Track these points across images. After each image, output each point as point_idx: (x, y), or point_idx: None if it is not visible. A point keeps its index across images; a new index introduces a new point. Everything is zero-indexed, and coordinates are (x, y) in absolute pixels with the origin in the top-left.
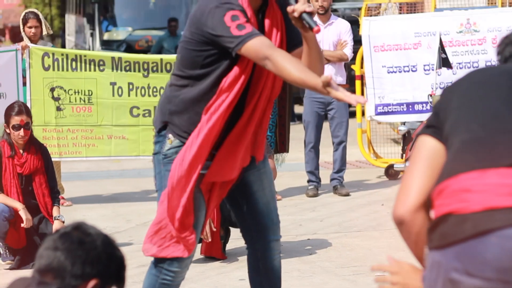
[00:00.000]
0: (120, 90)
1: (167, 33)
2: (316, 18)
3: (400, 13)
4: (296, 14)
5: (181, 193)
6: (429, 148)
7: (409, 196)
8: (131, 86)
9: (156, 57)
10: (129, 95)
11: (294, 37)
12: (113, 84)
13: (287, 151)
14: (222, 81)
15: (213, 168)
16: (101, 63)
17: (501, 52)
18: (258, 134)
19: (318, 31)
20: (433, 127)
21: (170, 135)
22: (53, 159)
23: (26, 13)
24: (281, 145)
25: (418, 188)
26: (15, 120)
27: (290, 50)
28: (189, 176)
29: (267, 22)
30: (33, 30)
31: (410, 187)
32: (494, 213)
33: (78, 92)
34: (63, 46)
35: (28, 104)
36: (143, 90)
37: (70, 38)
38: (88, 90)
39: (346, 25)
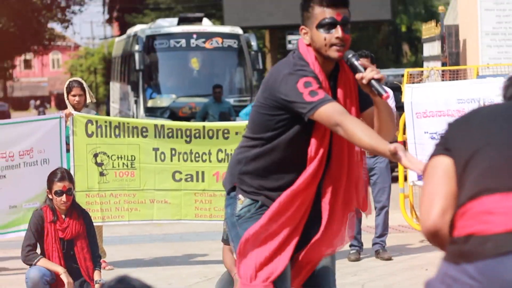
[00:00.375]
0: (162, 155)
1: (212, 100)
2: None
3: (443, 80)
4: (364, 81)
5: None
6: (445, 165)
7: (434, 206)
8: (173, 152)
9: (199, 124)
10: (171, 160)
11: (366, 98)
12: (155, 149)
13: None
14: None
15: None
16: (144, 130)
17: (505, 93)
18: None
19: (388, 97)
20: (445, 149)
21: (240, 196)
22: (95, 224)
23: (70, 81)
24: None
25: (440, 197)
26: (58, 186)
27: (362, 111)
28: (275, 238)
29: (339, 86)
30: (77, 98)
31: (432, 199)
32: None
33: (121, 157)
34: (108, 113)
35: (72, 170)
36: (185, 156)
37: (114, 105)
38: (131, 156)
39: (388, 92)
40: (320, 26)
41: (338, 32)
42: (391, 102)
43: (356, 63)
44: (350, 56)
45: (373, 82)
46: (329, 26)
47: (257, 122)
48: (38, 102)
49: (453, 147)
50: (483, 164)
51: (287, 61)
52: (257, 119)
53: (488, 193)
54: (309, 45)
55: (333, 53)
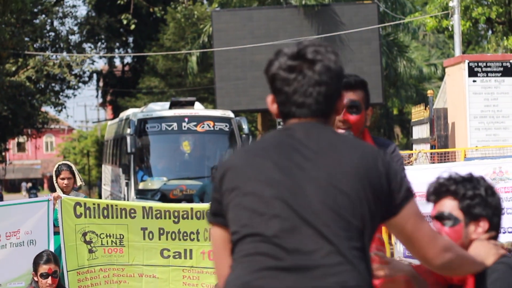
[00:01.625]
0: (151, 234)
1: (209, 180)
2: None
3: (432, 163)
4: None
5: None
6: None
7: None
8: (161, 231)
9: (187, 206)
10: (159, 239)
11: None
12: (144, 229)
13: None
14: None
15: None
16: (132, 211)
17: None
18: None
19: None
20: None
21: None
22: None
23: (59, 165)
24: None
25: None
26: (43, 268)
27: None
28: None
29: None
30: (65, 181)
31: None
32: None
33: (110, 235)
34: (100, 194)
35: (63, 252)
36: (173, 235)
37: (106, 188)
38: (120, 234)
39: None
40: None
41: (341, 115)
42: None
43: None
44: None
45: None
46: None
47: None
48: (29, 185)
49: None
50: None
51: None
52: None
53: None
54: None
55: None
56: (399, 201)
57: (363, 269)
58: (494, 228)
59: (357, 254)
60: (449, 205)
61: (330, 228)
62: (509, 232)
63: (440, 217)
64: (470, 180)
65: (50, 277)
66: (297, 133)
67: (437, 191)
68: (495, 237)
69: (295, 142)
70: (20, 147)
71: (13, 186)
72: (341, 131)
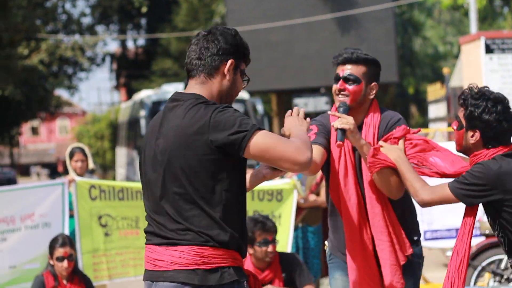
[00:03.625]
0: None
1: None
2: None
3: (449, 141)
4: (333, 127)
5: None
6: None
7: None
8: None
9: None
10: None
11: None
12: None
13: None
14: None
15: None
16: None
17: None
18: None
19: (337, 146)
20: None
21: None
22: (102, 282)
23: (72, 147)
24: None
25: None
26: (59, 252)
27: None
28: None
29: (363, 129)
30: (79, 164)
31: None
32: None
33: (125, 218)
34: (115, 178)
35: (77, 234)
36: None
37: (121, 171)
38: (135, 216)
39: None
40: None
41: (338, 84)
42: None
43: (337, 113)
44: (338, 106)
45: (338, 130)
46: (336, 80)
47: None
48: (38, 169)
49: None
50: None
51: None
52: None
53: None
54: None
55: (336, 102)
56: None
57: None
58: (490, 141)
59: None
60: (460, 113)
61: None
62: None
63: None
64: (478, 97)
65: (66, 260)
66: None
67: (458, 99)
68: (493, 145)
69: None
70: (34, 131)
71: (27, 170)
72: (337, 98)
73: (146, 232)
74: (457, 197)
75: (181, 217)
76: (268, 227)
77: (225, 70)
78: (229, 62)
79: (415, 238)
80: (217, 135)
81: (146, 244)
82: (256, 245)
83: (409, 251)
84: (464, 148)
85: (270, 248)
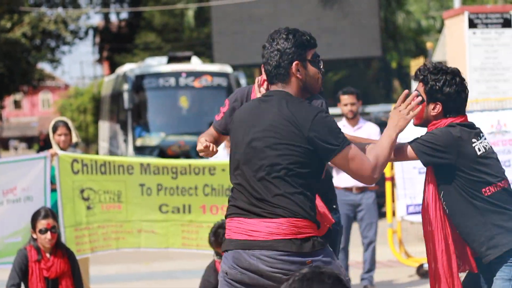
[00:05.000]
0: (149, 190)
1: None
2: (345, 122)
3: None
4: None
5: None
6: None
7: None
8: (159, 187)
9: (185, 162)
10: (158, 194)
11: None
12: (142, 185)
13: None
14: None
15: None
16: (130, 168)
17: None
18: None
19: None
20: None
21: None
22: (85, 256)
23: (56, 121)
24: None
25: None
26: (42, 224)
27: None
28: None
29: None
30: (62, 137)
31: None
32: None
33: (107, 192)
34: (97, 152)
35: (60, 208)
36: (171, 190)
37: (103, 144)
38: (117, 191)
39: (375, 128)
40: None
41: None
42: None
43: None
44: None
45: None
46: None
47: None
48: (16, 143)
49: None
50: None
51: None
52: None
53: None
54: None
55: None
56: None
57: None
58: (451, 111)
59: None
60: (420, 88)
61: None
62: None
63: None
64: (437, 72)
65: (49, 232)
66: None
67: (415, 76)
68: (452, 115)
69: None
70: (17, 104)
71: (7, 144)
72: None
73: (233, 205)
74: (416, 153)
75: (275, 193)
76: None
77: (294, 72)
78: (293, 65)
79: (334, 206)
80: (316, 136)
81: (232, 216)
82: None
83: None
84: (424, 121)
85: None
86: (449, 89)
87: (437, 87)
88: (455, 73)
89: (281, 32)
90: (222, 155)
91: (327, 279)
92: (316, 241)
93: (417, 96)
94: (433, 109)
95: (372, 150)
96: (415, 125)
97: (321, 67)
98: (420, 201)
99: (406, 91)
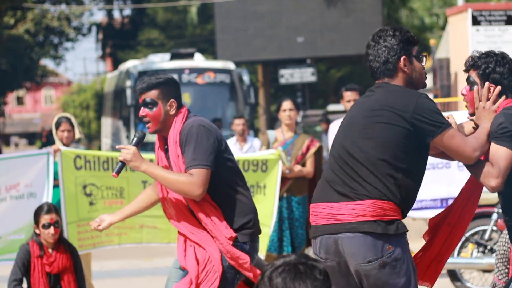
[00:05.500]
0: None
1: None
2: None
3: None
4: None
5: None
6: None
7: None
8: None
9: None
10: None
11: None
12: (144, 182)
13: None
14: None
15: None
16: None
17: None
18: None
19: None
20: None
21: None
22: (87, 251)
23: (59, 117)
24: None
25: None
26: (45, 219)
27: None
28: None
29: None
30: (65, 133)
31: None
32: None
33: (110, 188)
34: (100, 148)
35: (62, 204)
36: None
37: (106, 141)
38: (120, 187)
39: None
40: None
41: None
42: None
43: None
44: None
45: (119, 162)
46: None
47: None
48: (17, 139)
49: None
50: None
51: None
52: None
53: None
54: None
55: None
56: None
57: None
58: (506, 91)
59: None
60: (473, 74)
61: None
62: None
63: (467, 81)
64: (486, 56)
65: (52, 227)
66: None
67: (467, 67)
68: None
69: None
70: (19, 101)
71: (8, 140)
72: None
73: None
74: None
75: (365, 177)
76: None
77: (402, 67)
78: (402, 60)
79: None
80: (418, 118)
81: (319, 202)
82: None
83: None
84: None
85: None
86: (502, 69)
87: (490, 68)
88: (504, 54)
89: (388, 30)
90: (234, 150)
91: (318, 275)
92: (400, 224)
93: (489, 87)
94: (489, 91)
95: (471, 137)
96: (471, 114)
97: (424, 63)
98: (422, 197)
99: (476, 87)
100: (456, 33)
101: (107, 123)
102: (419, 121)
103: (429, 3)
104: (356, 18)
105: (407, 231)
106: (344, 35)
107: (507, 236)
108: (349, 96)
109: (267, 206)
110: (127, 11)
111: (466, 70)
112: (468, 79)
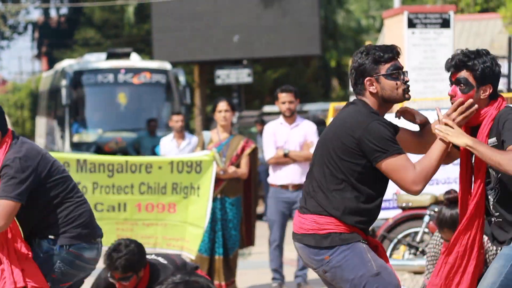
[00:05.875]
0: (84, 189)
1: (146, 133)
2: (282, 120)
3: None
4: None
5: None
6: None
7: None
8: (95, 185)
9: (121, 159)
10: (93, 193)
11: None
12: (77, 183)
13: (253, 244)
14: None
15: None
16: (66, 164)
17: None
18: None
19: None
20: None
21: None
22: None
23: None
24: (248, 240)
25: None
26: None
27: None
28: None
29: None
30: None
31: None
32: None
33: None
34: None
35: None
36: (107, 189)
37: (40, 140)
38: None
39: (312, 126)
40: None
41: None
42: (315, 137)
43: None
44: None
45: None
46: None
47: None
48: None
49: None
50: None
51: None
52: None
53: None
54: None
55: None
56: None
57: None
58: (495, 93)
59: None
60: (467, 75)
61: None
62: (442, 183)
63: (457, 83)
64: (480, 56)
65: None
66: None
67: (452, 65)
68: (495, 97)
69: None
70: None
71: None
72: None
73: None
74: None
75: (315, 193)
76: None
77: (367, 88)
78: (365, 81)
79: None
80: (366, 141)
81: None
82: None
83: None
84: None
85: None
86: (498, 68)
87: (488, 69)
88: (489, 52)
89: (361, 51)
90: (170, 147)
91: None
92: (338, 237)
93: (472, 104)
94: (483, 92)
95: (417, 164)
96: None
97: (403, 78)
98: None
99: (461, 99)
100: (391, 35)
101: (41, 123)
102: (365, 144)
103: (366, 5)
104: (293, 19)
105: (351, 242)
106: (280, 36)
107: (439, 238)
108: (284, 97)
109: (200, 207)
110: (64, 10)
111: (455, 70)
112: (457, 80)
